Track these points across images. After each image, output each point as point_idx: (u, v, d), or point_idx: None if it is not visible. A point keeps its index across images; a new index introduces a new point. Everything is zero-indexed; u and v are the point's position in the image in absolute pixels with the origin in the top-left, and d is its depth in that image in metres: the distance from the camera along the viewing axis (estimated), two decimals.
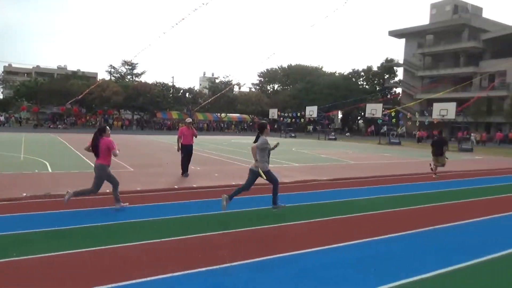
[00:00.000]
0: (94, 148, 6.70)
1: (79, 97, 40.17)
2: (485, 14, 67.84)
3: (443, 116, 29.85)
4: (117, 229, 5.86)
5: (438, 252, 5.25)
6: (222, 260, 4.69)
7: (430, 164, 13.68)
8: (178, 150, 11.23)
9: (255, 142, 6.90)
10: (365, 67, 70.96)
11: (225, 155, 18.31)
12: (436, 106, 30.86)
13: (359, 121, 74.20)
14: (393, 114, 39.78)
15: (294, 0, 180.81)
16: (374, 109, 36.44)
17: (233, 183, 10.15)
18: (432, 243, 5.68)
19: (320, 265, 4.69)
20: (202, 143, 25.92)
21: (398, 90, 65.47)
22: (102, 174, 6.69)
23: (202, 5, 16.61)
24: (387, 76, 68.42)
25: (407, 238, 5.89)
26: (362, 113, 65.49)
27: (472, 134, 39.69)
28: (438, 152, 13.30)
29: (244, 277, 4.29)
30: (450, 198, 9.27)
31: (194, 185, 9.63)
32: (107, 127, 6.92)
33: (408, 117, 41.68)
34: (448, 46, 55.02)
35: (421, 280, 4.39)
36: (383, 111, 37.16)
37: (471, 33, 53.78)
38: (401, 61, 62.39)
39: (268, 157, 6.83)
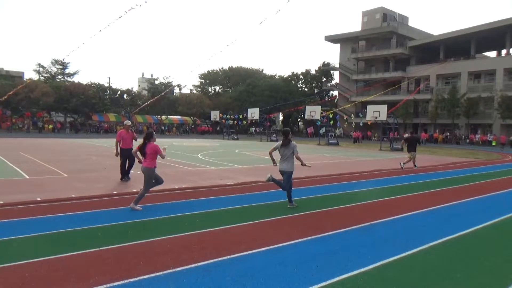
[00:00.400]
0: (141, 151, 7.46)
1: (3, 98, 36.95)
2: (410, 23, 73.27)
3: (376, 117, 31.69)
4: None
5: (373, 245, 5.62)
6: (166, 266, 4.66)
7: (401, 164, 15.82)
8: (116, 155, 10.84)
9: (283, 145, 7.86)
10: (304, 70, 73.29)
11: (166, 158, 17.90)
12: (370, 108, 32.69)
13: (299, 123, 76.35)
14: (331, 116, 41.58)
15: (235, 2, 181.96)
16: (313, 111, 37.71)
17: (176, 186, 9.98)
18: (366, 237, 6.04)
19: (265, 265, 4.82)
20: None
21: (335, 93, 68.46)
22: (151, 175, 7.40)
23: (140, 3, 16.07)
24: (325, 79, 71.24)
25: (343, 235, 6.21)
26: (302, 115, 67.70)
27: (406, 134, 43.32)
28: (411, 148, 16.08)
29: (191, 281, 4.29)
30: (383, 195, 9.88)
31: (135, 190, 9.33)
32: (153, 132, 7.56)
33: (344, 118, 43.79)
34: (379, 52, 58.68)
35: (362, 273, 4.69)
36: (321, 113, 38.60)
37: (398, 40, 57.87)
38: (337, 65, 65.35)
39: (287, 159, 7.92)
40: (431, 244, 5.85)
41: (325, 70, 70.06)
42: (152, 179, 7.47)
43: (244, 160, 18.06)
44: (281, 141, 7.97)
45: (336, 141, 37.96)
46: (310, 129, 58.04)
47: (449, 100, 48.12)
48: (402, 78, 56.23)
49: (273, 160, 8.25)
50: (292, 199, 8.13)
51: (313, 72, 73.47)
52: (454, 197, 9.77)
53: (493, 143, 43.13)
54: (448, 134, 49.28)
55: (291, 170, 7.92)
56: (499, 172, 16.67)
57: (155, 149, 7.46)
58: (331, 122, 42.21)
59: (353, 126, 44.35)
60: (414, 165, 16.31)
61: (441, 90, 52.07)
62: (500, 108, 43.88)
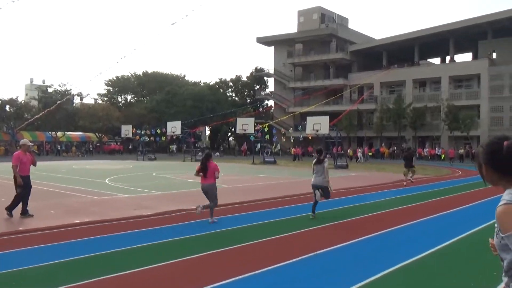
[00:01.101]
0: (203, 170, 9.71)
1: None
2: (351, 25, 78.10)
3: (317, 131, 32.97)
4: None
5: (327, 275, 5.68)
6: None
7: (404, 182, 19.08)
8: (20, 184, 10.10)
9: (317, 163, 10.55)
10: (234, 77, 74.42)
11: (63, 186, 16.85)
12: (310, 120, 33.93)
13: (230, 138, 76.87)
14: (266, 129, 42.42)
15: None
16: (246, 124, 38.19)
17: (76, 221, 9.38)
18: (315, 268, 6.10)
19: None
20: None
21: (270, 102, 70.29)
22: (215, 189, 9.84)
23: None
24: (258, 87, 72.87)
25: (294, 265, 6.20)
26: (233, 129, 68.25)
27: (358, 150, 45.75)
28: (409, 164, 19.35)
29: None
30: (328, 220, 10.16)
31: (21, 228, 8.60)
32: (211, 153, 10.09)
33: (282, 132, 44.96)
34: (318, 57, 61.62)
35: None
36: (255, 126, 39.22)
37: (339, 44, 61.29)
38: (272, 71, 67.34)
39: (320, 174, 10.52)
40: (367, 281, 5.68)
41: (258, 76, 71.80)
42: (215, 192, 9.89)
43: (165, 185, 17.78)
44: (315, 159, 10.57)
45: (273, 159, 38.71)
46: (243, 146, 58.67)
47: (394, 110, 51.79)
48: (344, 86, 59.43)
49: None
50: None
51: (244, 78, 74.92)
52: (406, 218, 10.35)
53: (442, 157, 47.04)
54: (395, 148, 52.83)
55: (325, 185, 10.50)
56: (450, 189, 18.10)
57: (216, 168, 9.84)
58: (267, 136, 43.10)
59: (292, 141, 45.59)
60: (410, 180, 19.56)
61: (386, 100, 55.92)
62: (447, 119, 48.18)
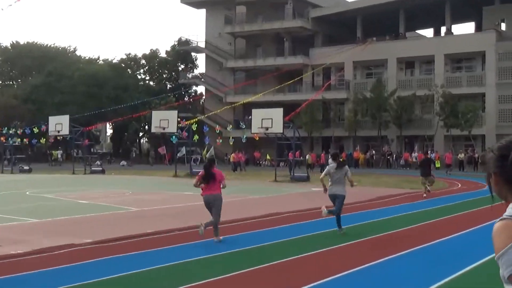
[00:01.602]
0: (207, 179, 11.19)
1: None
2: None
3: (266, 129, 33.21)
4: None
5: None
6: None
7: (424, 193, 22.22)
8: None
9: (338, 168, 12.46)
10: (148, 52, 73.65)
11: None
12: (256, 114, 34.09)
13: (143, 140, 75.90)
14: (194, 127, 42.21)
15: None
16: (165, 120, 37.84)
17: None
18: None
19: None
20: None
21: (200, 89, 70.28)
22: (221, 202, 11.36)
23: None
24: (182, 66, 72.66)
25: None
26: (146, 127, 67.34)
27: (324, 155, 46.74)
28: (426, 172, 22.25)
29: None
30: (278, 253, 10.33)
31: None
32: (215, 159, 11.61)
33: (217, 131, 44.83)
34: (268, 25, 62.35)
35: None
36: (178, 122, 38.97)
37: (297, 8, 62.04)
38: (202, 44, 67.36)
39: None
40: None
41: (183, 51, 71.58)
42: (221, 206, 11.42)
43: (44, 209, 17.44)
44: (334, 164, 12.61)
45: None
46: (162, 150, 58.16)
47: (373, 101, 53.30)
48: (304, 66, 60.48)
49: (324, 186, 12.75)
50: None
51: (163, 54, 74.42)
52: (388, 250, 10.71)
53: (437, 165, 48.99)
54: (373, 152, 54.34)
55: (344, 194, 12.50)
56: (447, 207, 18.88)
57: (222, 176, 11.56)
58: (195, 138, 42.91)
59: (231, 143, 45.65)
60: (426, 192, 22.27)
61: (362, 86, 57.50)
62: (442, 113, 50.27)
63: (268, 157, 56.56)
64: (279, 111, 33.95)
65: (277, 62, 61.63)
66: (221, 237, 11.35)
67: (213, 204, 11.28)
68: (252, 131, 34.78)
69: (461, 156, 48.64)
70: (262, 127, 33.41)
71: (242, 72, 64.44)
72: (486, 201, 19.81)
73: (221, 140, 43.13)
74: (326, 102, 58.50)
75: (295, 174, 34.16)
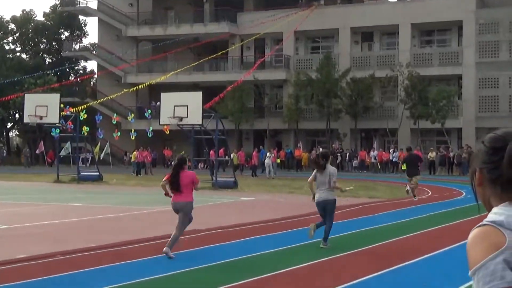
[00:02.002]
0: (175, 183, 12.23)
1: None
2: None
3: (180, 119, 32.97)
4: None
5: None
6: None
7: (407, 190, 23.72)
8: None
9: (318, 171, 13.73)
10: (20, 14, 71.99)
11: None
12: (167, 100, 33.79)
13: (12, 133, 74.12)
14: (82, 116, 41.44)
15: None
16: (43, 107, 36.95)
17: None
18: None
19: None
20: None
21: (91, 65, 69.28)
22: (190, 210, 12.63)
23: None
24: (67, 34, 71.13)
25: None
26: (17, 115, 65.53)
27: (267, 153, 46.17)
28: (413, 171, 23.96)
29: None
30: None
31: None
32: (187, 158, 12.89)
33: (113, 121, 44.11)
34: None
35: None
36: (62, 110, 38.15)
37: None
38: (94, 4, 66.73)
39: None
40: None
41: (67, 14, 70.15)
42: (190, 214, 12.69)
43: None
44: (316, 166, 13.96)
45: (97, 173, 38.11)
46: (40, 146, 56.88)
47: (320, 83, 53.76)
48: (230, 36, 60.59)
49: (313, 192, 14.03)
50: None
51: (39, 18, 72.80)
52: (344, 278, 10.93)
53: (403, 167, 49.91)
54: (320, 150, 54.85)
55: (333, 198, 13.81)
56: (416, 222, 19.32)
57: (192, 178, 12.60)
58: (84, 131, 42.19)
59: (133, 138, 45.08)
60: (414, 196, 24.03)
61: (305, 64, 58.03)
62: (408, 100, 51.34)
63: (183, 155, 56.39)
64: (197, 96, 33.85)
65: (194, 30, 61.46)
66: (172, 254, 12.25)
67: (179, 212, 12.51)
68: (161, 122, 34.49)
69: (432, 155, 49.55)
70: (174, 117, 33.16)
71: (148, 43, 63.85)
72: (463, 213, 20.46)
73: (119, 134, 42.64)
74: (259, 85, 58.56)
75: (218, 179, 34.12)
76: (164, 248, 12.16)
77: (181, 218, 12.42)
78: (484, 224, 1.99)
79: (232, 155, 45.18)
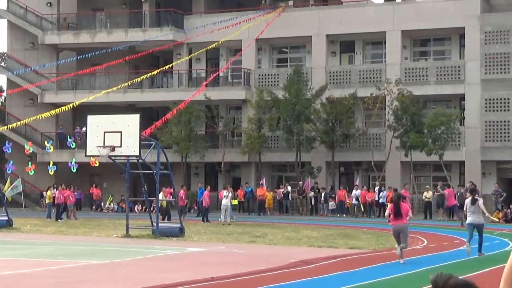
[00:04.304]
0: (397, 211, 22.47)
1: None
2: None
3: (112, 149, 32.67)
4: None
5: None
6: None
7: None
8: None
9: (471, 203, 24.50)
10: None
11: None
12: (96, 124, 33.53)
13: None
14: None
15: None
16: None
17: None
18: None
19: None
20: None
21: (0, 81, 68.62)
22: (407, 230, 23.44)
23: None
24: None
25: None
26: None
27: (224, 191, 45.42)
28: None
29: None
30: None
31: None
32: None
33: (27, 152, 43.90)
34: None
35: None
36: None
37: None
38: (3, 4, 66.08)
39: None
40: None
41: None
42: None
43: None
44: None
45: (5, 217, 37.66)
46: None
47: (288, 105, 53.81)
48: (175, 45, 60.66)
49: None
50: None
51: None
52: None
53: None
54: (289, 189, 54.65)
55: (482, 223, 24.57)
56: (411, 277, 19.48)
57: (408, 209, 23.33)
58: None
59: (52, 173, 44.83)
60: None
61: (270, 80, 58.24)
62: (398, 125, 51.75)
63: (110, 199, 56.26)
64: (134, 120, 33.72)
65: (130, 37, 61.30)
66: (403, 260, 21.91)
67: (399, 233, 21.91)
68: (88, 153, 34.38)
69: (428, 195, 49.65)
70: (104, 146, 33.05)
71: (71, 53, 63.65)
72: (466, 267, 20.66)
73: (32, 168, 42.34)
74: (212, 106, 58.46)
75: (160, 225, 34.00)
76: (401, 260, 21.79)
77: (404, 236, 22.04)
78: None
79: (160, 195, 42.94)
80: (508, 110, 52.43)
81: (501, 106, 52.72)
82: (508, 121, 52.42)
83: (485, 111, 53.06)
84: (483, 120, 53.03)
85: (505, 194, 47.86)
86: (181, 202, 47.09)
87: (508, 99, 52.32)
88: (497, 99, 52.75)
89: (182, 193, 47.88)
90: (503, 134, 52.58)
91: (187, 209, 48.50)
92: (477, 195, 25.11)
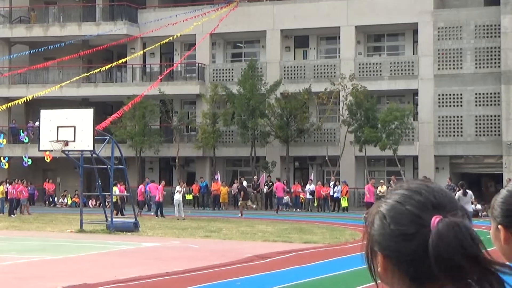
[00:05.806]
0: None
1: None
2: None
3: (66, 143, 32.47)
4: None
5: None
6: None
7: None
8: None
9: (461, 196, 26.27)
10: None
11: None
12: (49, 118, 33.23)
13: None
14: None
15: None
16: None
17: None
18: None
19: None
20: None
21: None
22: None
23: None
24: None
25: None
26: None
27: (177, 186, 45.21)
28: None
29: None
30: None
31: None
32: None
33: None
34: None
35: None
36: None
37: None
38: None
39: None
40: None
41: None
42: None
43: None
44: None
45: None
46: None
47: (242, 100, 53.67)
48: (129, 40, 60.36)
49: None
50: None
51: None
52: None
53: (345, 202, 49.93)
54: (244, 184, 54.58)
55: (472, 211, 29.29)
56: (359, 272, 19.64)
57: None
58: None
59: (6, 167, 44.43)
60: None
61: (225, 75, 58.11)
62: (352, 121, 51.99)
63: (67, 196, 55.72)
64: (88, 114, 33.55)
65: (83, 31, 60.94)
66: None
67: None
68: (41, 148, 34.12)
69: (382, 189, 49.22)
70: (58, 141, 32.83)
71: (23, 47, 63.04)
72: None
73: None
74: (167, 101, 58.28)
75: (114, 220, 33.86)
76: None
77: None
78: None
79: (115, 189, 42.59)
80: (461, 105, 52.98)
81: (453, 102, 53.23)
82: (461, 117, 53.01)
83: (438, 106, 53.61)
84: (436, 115, 53.53)
85: (457, 188, 48.00)
86: (140, 197, 47.09)
87: (461, 94, 52.87)
88: (450, 95, 53.26)
89: (142, 188, 47.78)
90: (455, 129, 53.09)
91: (145, 204, 48.12)
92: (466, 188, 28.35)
